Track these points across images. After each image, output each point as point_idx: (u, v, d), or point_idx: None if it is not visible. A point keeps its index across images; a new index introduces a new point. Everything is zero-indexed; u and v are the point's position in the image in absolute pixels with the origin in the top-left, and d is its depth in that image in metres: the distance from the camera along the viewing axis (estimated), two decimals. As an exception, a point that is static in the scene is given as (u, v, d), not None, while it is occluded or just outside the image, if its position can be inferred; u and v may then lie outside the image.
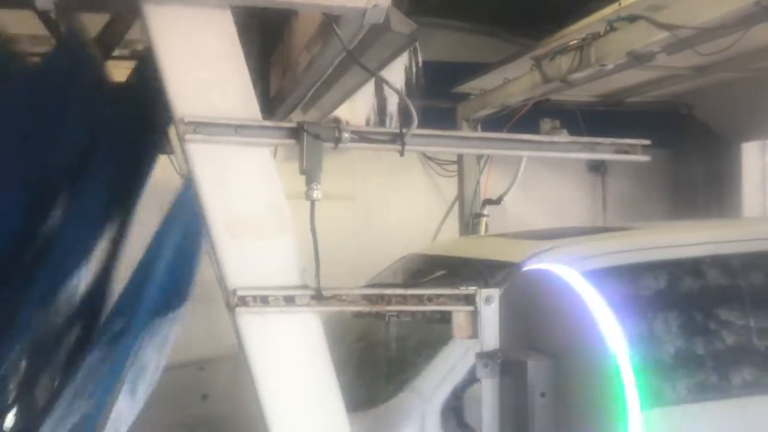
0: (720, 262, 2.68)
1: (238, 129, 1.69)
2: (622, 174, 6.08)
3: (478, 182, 5.36)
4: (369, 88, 3.54)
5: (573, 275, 1.85)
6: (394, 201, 5.71)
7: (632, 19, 3.44)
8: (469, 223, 5.38)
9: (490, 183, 5.30)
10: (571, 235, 2.86)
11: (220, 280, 1.71)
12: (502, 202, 5.09)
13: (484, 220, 5.28)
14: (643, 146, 2.00)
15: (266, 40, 2.79)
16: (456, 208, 5.69)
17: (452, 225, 5.57)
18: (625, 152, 1.95)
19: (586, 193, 6.12)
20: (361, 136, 1.79)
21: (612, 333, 1.81)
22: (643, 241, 2.78)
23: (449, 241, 3.46)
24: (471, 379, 2.19)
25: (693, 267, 2.64)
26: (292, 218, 1.74)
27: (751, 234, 2.96)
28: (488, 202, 5.26)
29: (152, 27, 1.66)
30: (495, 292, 1.80)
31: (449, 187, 5.70)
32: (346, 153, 1.83)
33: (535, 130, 2.03)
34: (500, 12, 5.46)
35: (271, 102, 2.89)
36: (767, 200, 6.00)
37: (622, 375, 1.77)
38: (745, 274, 2.68)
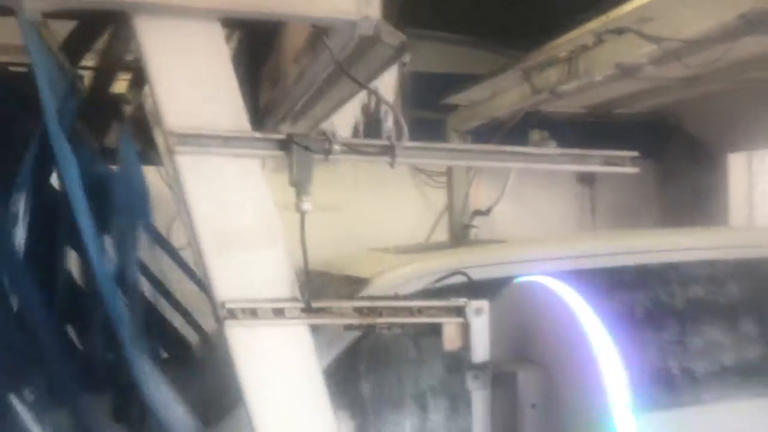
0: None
1: (228, 141, 1.68)
2: (611, 185, 6.12)
3: (467, 193, 5.37)
4: (356, 97, 3.54)
5: (561, 287, 1.86)
6: (384, 212, 5.70)
7: (620, 31, 3.48)
8: (459, 234, 5.39)
9: (479, 194, 5.32)
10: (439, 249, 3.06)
11: (209, 292, 1.69)
12: (491, 213, 5.11)
13: (473, 231, 5.30)
14: (632, 158, 2.00)
15: (257, 51, 2.78)
16: (445, 218, 5.70)
17: (442, 235, 5.58)
18: (614, 164, 1.96)
19: (575, 203, 6.15)
20: (351, 148, 1.79)
21: (601, 343, 1.81)
22: (492, 257, 2.89)
23: (333, 255, 3.55)
24: None
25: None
26: (282, 230, 1.73)
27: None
28: (477, 213, 5.28)
29: (142, 38, 1.66)
30: (485, 304, 1.80)
31: (439, 198, 5.71)
32: (335, 163, 1.83)
33: (525, 140, 2.04)
34: (490, 24, 5.49)
35: (260, 113, 2.88)
36: (753, 211, 6.05)
37: (613, 385, 1.76)
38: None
